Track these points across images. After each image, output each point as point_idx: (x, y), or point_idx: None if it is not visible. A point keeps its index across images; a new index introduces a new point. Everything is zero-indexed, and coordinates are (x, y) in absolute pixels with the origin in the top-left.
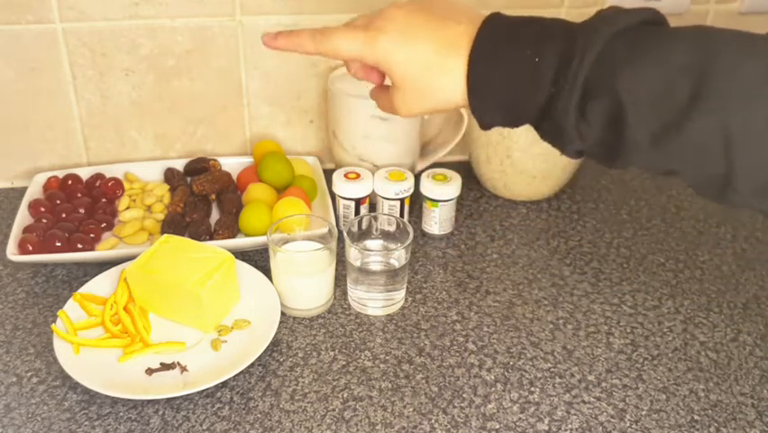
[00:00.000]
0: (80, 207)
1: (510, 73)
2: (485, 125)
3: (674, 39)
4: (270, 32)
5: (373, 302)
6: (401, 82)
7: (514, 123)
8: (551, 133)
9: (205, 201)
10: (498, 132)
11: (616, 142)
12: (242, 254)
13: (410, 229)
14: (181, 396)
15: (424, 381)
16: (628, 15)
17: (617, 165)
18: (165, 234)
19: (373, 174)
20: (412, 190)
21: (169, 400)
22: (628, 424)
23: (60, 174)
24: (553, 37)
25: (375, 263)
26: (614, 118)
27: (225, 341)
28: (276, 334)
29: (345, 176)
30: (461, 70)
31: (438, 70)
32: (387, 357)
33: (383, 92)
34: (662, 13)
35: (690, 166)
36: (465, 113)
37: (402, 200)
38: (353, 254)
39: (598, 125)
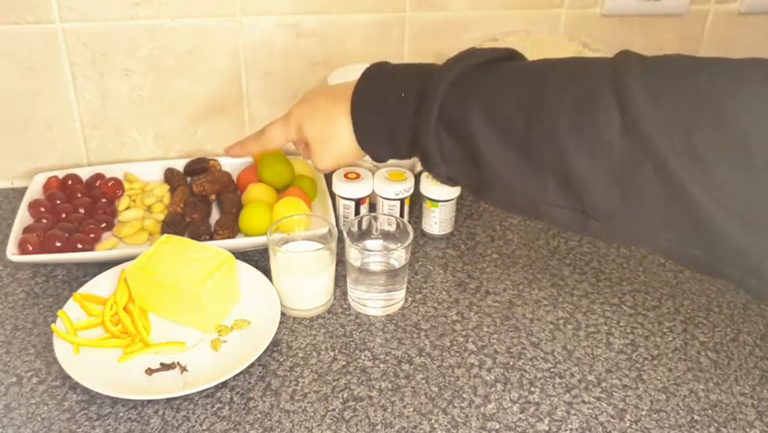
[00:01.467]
0: (80, 208)
1: (384, 109)
2: (377, 159)
3: (514, 77)
4: (229, 146)
5: (373, 302)
6: (309, 140)
7: (398, 154)
8: (423, 160)
9: (205, 201)
10: None
11: (476, 169)
12: (242, 254)
13: (410, 229)
14: (181, 396)
15: (424, 381)
16: (481, 54)
17: (487, 194)
18: (165, 235)
19: (373, 174)
20: (412, 190)
21: (169, 400)
22: (628, 424)
23: (60, 174)
24: (417, 74)
25: (375, 263)
26: (470, 146)
27: (225, 341)
28: (276, 334)
29: (345, 176)
30: (348, 115)
31: (332, 121)
32: (387, 357)
33: (307, 150)
34: (517, 51)
35: (547, 185)
36: None
37: (402, 200)
38: (353, 254)
39: (456, 153)
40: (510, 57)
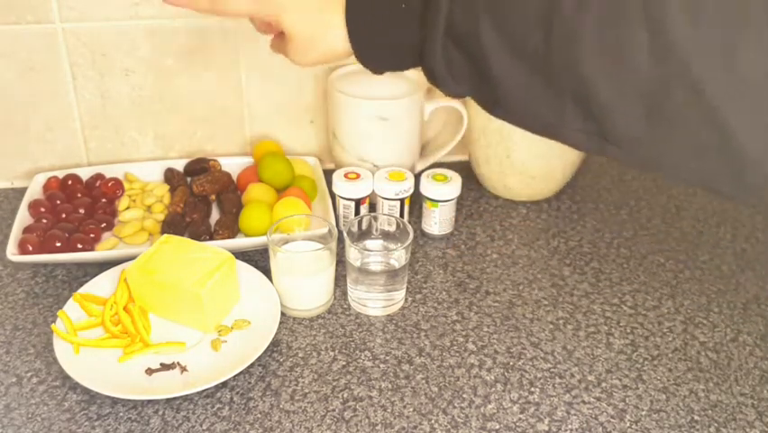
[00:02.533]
0: (80, 208)
1: (382, 18)
2: (373, 70)
3: None
4: None
5: (373, 302)
6: (291, 33)
7: (398, 66)
8: (428, 75)
9: (205, 201)
10: (497, 132)
11: (488, 87)
12: (242, 254)
13: (410, 229)
14: (181, 396)
15: (424, 381)
16: None
17: (500, 112)
18: (165, 235)
19: (373, 174)
20: (412, 190)
21: (168, 400)
22: (628, 424)
23: (60, 174)
24: None
25: (375, 264)
26: (481, 62)
27: (225, 341)
28: (276, 334)
29: (345, 176)
30: (341, 18)
31: (321, 21)
32: (387, 357)
33: (282, 42)
34: None
35: (564, 109)
36: (464, 113)
37: (402, 200)
38: (353, 254)
39: (466, 70)
40: None
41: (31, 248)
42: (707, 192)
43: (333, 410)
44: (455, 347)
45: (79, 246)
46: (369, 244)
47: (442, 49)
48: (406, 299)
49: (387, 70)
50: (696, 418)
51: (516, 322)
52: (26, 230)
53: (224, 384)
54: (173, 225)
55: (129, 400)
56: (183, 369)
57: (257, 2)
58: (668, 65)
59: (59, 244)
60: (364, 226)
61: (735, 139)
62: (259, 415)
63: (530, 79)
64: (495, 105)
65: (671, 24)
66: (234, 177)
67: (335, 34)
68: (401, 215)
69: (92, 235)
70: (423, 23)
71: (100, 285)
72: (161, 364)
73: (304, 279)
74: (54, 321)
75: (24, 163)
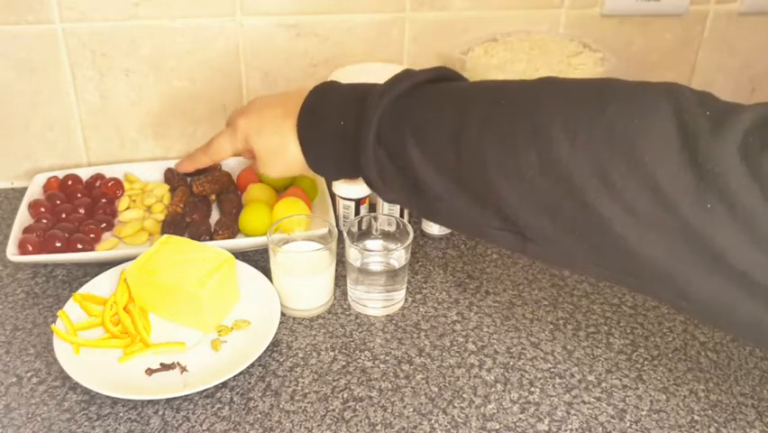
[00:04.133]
0: (80, 208)
1: (327, 136)
2: (329, 179)
3: (444, 107)
4: (179, 161)
5: (373, 302)
6: (259, 151)
7: (345, 176)
8: (368, 184)
9: (205, 202)
10: None
11: (419, 195)
12: (242, 255)
13: (410, 229)
14: (181, 396)
15: (424, 381)
16: (412, 77)
17: (435, 217)
18: (165, 235)
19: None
20: None
21: (168, 400)
22: (628, 424)
23: (60, 174)
24: (355, 100)
25: (375, 264)
26: (411, 174)
27: (225, 341)
28: (276, 334)
29: None
30: (295, 134)
31: (280, 137)
32: (387, 357)
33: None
34: (451, 69)
35: (486, 212)
36: None
37: None
38: (353, 255)
39: (398, 180)
40: (442, 77)
41: (31, 248)
42: (622, 287)
43: (333, 410)
44: (455, 347)
45: (79, 246)
46: (369, 244)
47: (374, 161)
48: (406, 300)
49: (336, 178)
50: (696, 418)
51: (516, 322)
52: (26, 230)
53: (224, 384)
54: (173, 225)
55: (129, 400)
56: (183, 369)
57: (233, 140)
58: (555, 178)
59: (59, 244)
60: (364, 226)
61: (625, 243)
62: (259, 415)
63: (453, 188)
64: (428, 213)
65: (554, 145)
66: (234, 177)
67: (292, 149)
68: (401, 215)
69: (92, 235)
70: (355, 138)
71: (100, 285)
72: (161, 364)
73: (304, 279)
74: (54, 321)
75: (24, 163)
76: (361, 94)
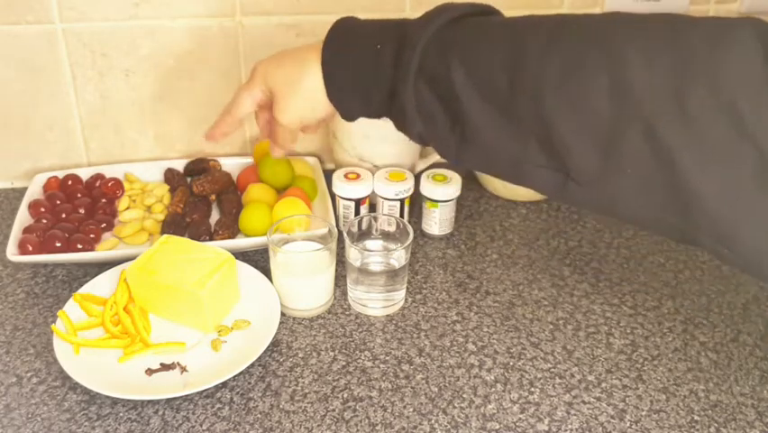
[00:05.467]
0: (80, 208)
1: (357, 61)
2: (346, 116)
3: (495, 34)
4: (208, 131)
5: (373, 302)
6: (276, 88)
7: (370, 111)
8: (398, 116)
9: (205, 202)
10: None
11: (457, 126)
12: (242, 255)
13: (410, 229)
14: (181, 396)
15: (424, 381)
16: (456, 8)
17: (460, 156)
18: (165, 235)
19: (373, 174)
20: (412, 191)
21: (168, 400)
22: (628, 424)
23: (60, 174)
24: (393, 27)
25: (375, 264)
26: (452, 103)
27: (225, 341)
28: (276, 334)
29: (345, 176)
30: (318, 63)
31: (300, 66)
32: (387, 357)
33: (272, 127)
34: (487, 5)
35: (528, 146)
36: None
37: (402, 201)
38: (353, 255)
39: (435, 110)
40: (490, 12)
41: (31, 248)
42: (658, 235)
43: (333, 411)
44: (455, 347)
45: (79, 246)
46: (369, 244)
47: (413, 89)
48: (406, 300)
49: (358, 114)
50: (696, 418)
51: (516, 322)
52: (26, 230)
53: (224, 384)
54: (173, 225)
55: (129, 401)
56: (183, 369)
57: (252, 86)
58: (624, 106)
59: (59, 245)
60: (364, 227)
61: (682, 176)
62: (259, 415)
63: (498, 119)
64: (460, 147)
65: (629, 67)
66: (234, 177)
67: (312, 80)
68: (401, 215)
69: (92, 236)
70: (396, 64)
71: (100, 285)
72: (161, 365)
73: (304, 279)
74: (54, 321)
75: (24, 163)
76: (400, 21)
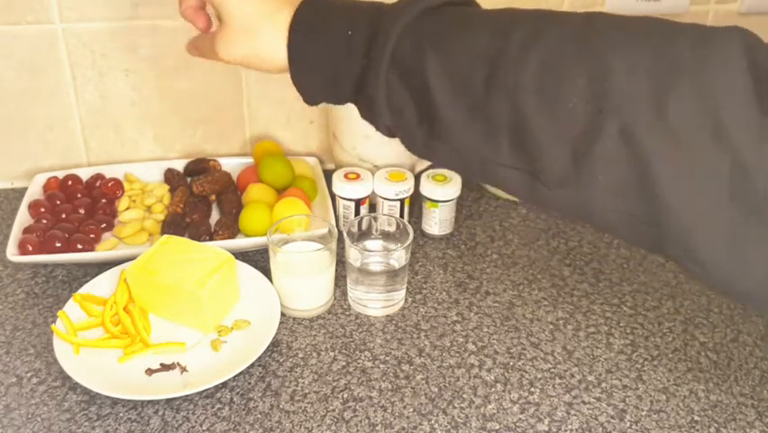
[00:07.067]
0: (80, 208)
1: (326, 45)
2: (308, 99)
3: (475, 26)
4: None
5: (373, 303)
6: (230, 18)
7: (334, 96)
8: (365, 106)
9: (205, 202)
10: None
11: (426, 121)
12: (242, 255)
13: (410, 230)
14: (181, 396)
15: (424, 381)
16: None
17: (435, 147)
18: (165, 235)
19: (373, 175)
20: (412, 191)
21: (168, 400)
22: (628, 424)
23: (60, 174)
24: (367, 12)
25: (375, 264)
26: (423, 97)
27: (225, 341)
28: (276, 334)
29: (345, 176)
30: (286, 23)
31: (266, 20)
32: (387, 358)
33: (205, 38)
34: None
35: (500, 145)
36: None
37: (402, 201)
38: (353, 255)
39: (406, 102)
40: (465, 2)
41: (31, 248)
42: (629, 243)
43: (333, 411)
44: (455, 348)
45: (79, 246)
46: (369, 244)
47: (384, 80)
48: (406, 300)
49: (320, 100)
50: (696, 418)
51: (516, 322)
52: (26, 230)
53: (224, 384)
54: (173, 225)
55: (129, 401)
56: (183, 369)
57: None
58: (601, 111)
59: (59, 245)
60: (364, 227)
61: (656, 184)
62: (259, 415)
63: (470, 114)
64: (429, 142)
65: (610, 70)
66: (234, 177)
67: (275, 36)
68: (401, 215)
69: (92, 236)
70: (367, 52)
71: (100, 285)
72: (161, 365)
73: (304, 279)
74: (54, 321)
75: (24, 163)
76: (373, 7)
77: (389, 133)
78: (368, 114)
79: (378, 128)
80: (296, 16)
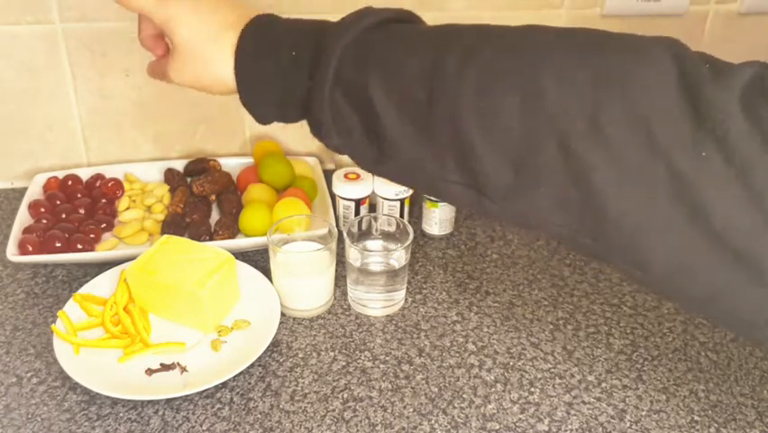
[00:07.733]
0: (80, 208)
1: (272, 67)
2: (259, 119)
3: (415, 43)
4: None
5: (373, 303)
6: (178, 44)
7: (284, 116)
8: (314, 126)
9: (205, 202)
10: None
11: (374, 139)
12: (242, 255)
13: (410, 230)
14: (181, 396)
15: (424, 381)
16: (376, 14)
17: (383, 165)
18: (165, 235)
19: (373, 175)
20: (412, 191)
21: (168, 400)
22: (628, 424)
23: (60, 174)
24: (311, 33)
25: (375, 264)
26: (369, 115)
27: (225, 341)
28: (276, 334)
29: (345, 176)
30: (232, 49)
31: (211, 43)
32: (387, 358)
33: (160, 63)
34: (412, 12)
35: (445, 162)
36: None
37: (402, 201)
38: (353, 255)
39: (352, 122)
40: (404, 19)
41: (31, 248)
42: (573, 251)
43: (333, 411)
44: (455, 348)
45: (79, 246)
46: (369, 244)
47: (329, 100)
48: (406, 300)
49: (272, 120)
50: (696, 418)
51: (516, 322)
52: (26, 230)
53: (224, 384)
54: (173, 225)
55: (129, 401)
56: (183, 369)
57: (159, 5)
58: (537, 123)
59: (59, 245)
60: (364, 227)
61: (598, 195)
62: (259, 415)
63: (414, 132)
64: (379, 159)
65: (541, 86)
66: (234, 177)
67: (221, 59)
68: (401, 215)
69: (92, 236)
70: (312, 73)
71: (100, 285)
72: (161, 365)
73: (304, 279)
74: (54, 321)
75: (24, 163)
76: (318, 26)
77: (339, 152)
78: (317, 133)
79: (328, 146)
80: (241, 39)
